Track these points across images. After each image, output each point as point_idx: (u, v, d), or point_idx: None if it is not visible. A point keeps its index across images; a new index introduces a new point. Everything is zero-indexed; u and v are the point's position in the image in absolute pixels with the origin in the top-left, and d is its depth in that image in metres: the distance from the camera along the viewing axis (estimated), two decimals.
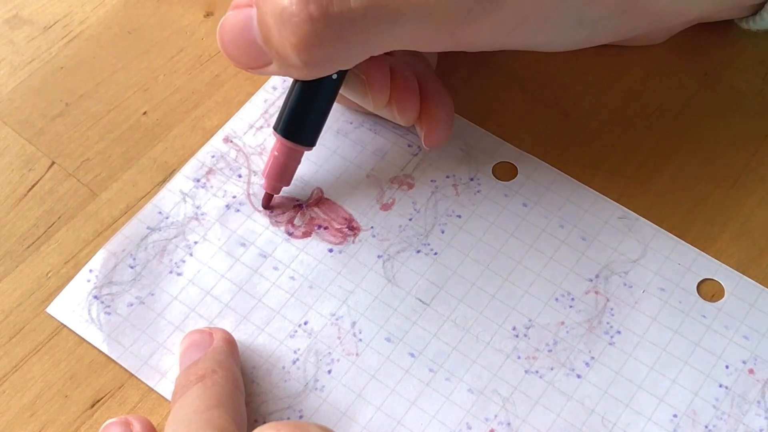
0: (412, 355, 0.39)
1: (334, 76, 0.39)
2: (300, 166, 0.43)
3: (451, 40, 0.38)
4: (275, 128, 0.41)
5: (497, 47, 0.40)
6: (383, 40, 0.36)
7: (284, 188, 0.43)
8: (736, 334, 0.39)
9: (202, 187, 0.43)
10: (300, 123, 0.40)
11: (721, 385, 0.38)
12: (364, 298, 0.40)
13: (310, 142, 0.41)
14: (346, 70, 0.39)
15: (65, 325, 0.40)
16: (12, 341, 0.39)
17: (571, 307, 0.40)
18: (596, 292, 0.40)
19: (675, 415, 0.38)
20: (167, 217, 0.42)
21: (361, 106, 0.43)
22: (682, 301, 0.40)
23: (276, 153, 0.41)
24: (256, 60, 0.37)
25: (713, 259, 0.41)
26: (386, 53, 0.41)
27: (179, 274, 0.41)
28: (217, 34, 0.38)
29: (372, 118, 0.45)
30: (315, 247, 0.41)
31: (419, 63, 0.43)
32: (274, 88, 0.45)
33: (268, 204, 0.42)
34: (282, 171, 0.41)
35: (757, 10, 0.44)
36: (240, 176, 0.43)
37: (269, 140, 0.44)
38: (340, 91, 0.41)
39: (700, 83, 0.46)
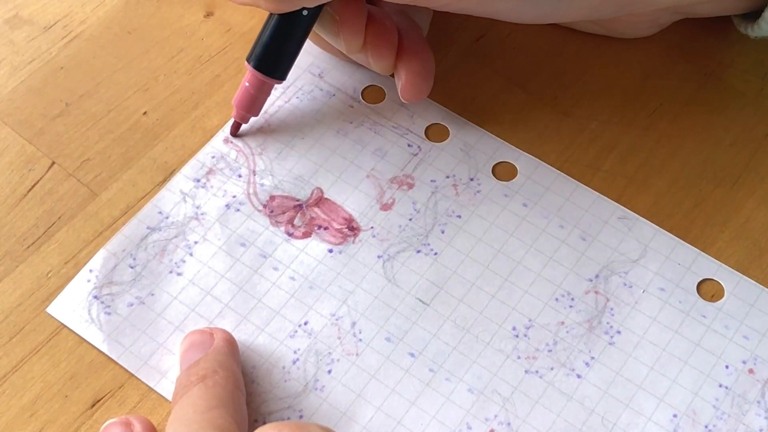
0: (412, 355, 0.39)
1: (305, 13, 0.40)
2: (300, 166, 0.43)
3: None
4: (248, 59, 0.42)
5: (460, 9, 0.40)
6: None
7: (284, 188, 0.43)
8: (736, 334, 0.39)
9: (202, 187, 0.43)
10: (272, 57, 0.42)
11: (721, 385, 0.38)
12: (364, 298, 0.40)
13: (280, 76, 0.42)
14: (319, 9, 0.40)
15: (65, 325, 0.40)
16: (12, 341, 0.39)
17: (571, 307, 0.40)
18: (596, 292, 0.40)
19: (675, 415, 0.38)
20: (167, 217, 0.42)
21: (342, 53, 0.43)
22: (682, 301, 0.40)
23: (247, 84, 0.42)
24: None
25: (713, 259, 0.41)
26: (370, 2, 0.41)
27: (179, 274, 0.41)
28: None
29: (372, 118, 0.45)
30: (315, 247, 0.41)
31: (404, 20, 0.43)
32: (274, 88, 0.45)
33: (236, 132, 0.44)
34: (252, 102, 0.43)
35: (750, 9, 0.44)
36: (240, 176, 0.43)
37: (269, 140, 0.44)
38: (318, 32, 0.42)
39: (700, 83, 0.46)
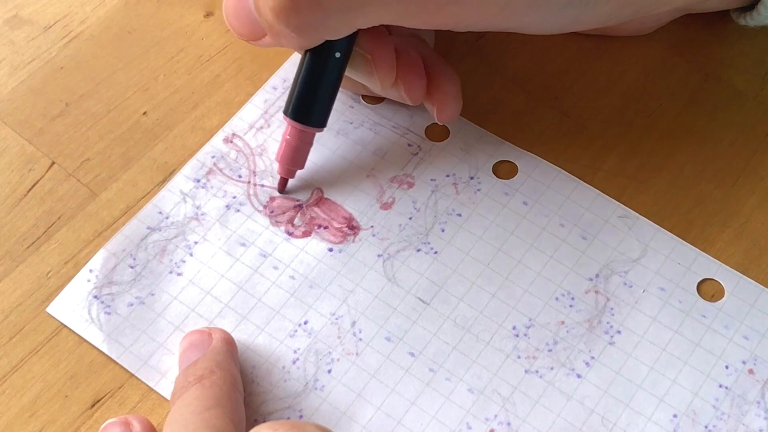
0: (412, 354, 0.39)
1: (337, 55, 0.39)
2: None
3: (437, 17, 0.38)
4: (285, 112, 0.41)
5: (486, 27, 0.40)
6: (365, 11, 0.37)
7: (289, 185, 0.43)
8: (736, 334, 0.39)
9: (202, 187, 0.43)
10: (309, 105, 0.41)
11: (721, 385, 0.38)
12: (364, 297, 0.40)
13: (320, 124, 0.41)
14: (350, 50, 0.40)
15: (65, 325, 0.40)
16: (12, 341, 0.39)
17: (571, 306, 0.40)
18: (596, 292, 0.40)
19: (675, 415, 0.38)
20: (167, 217, 0.42)
21: (368, 89, 0.43)
22: (682, 301, 0.40)
23: (288, 137, 0.41)
24: (253, 32, 0.39)
25: (713, 259, 0.41)
26: (388, 33, 0.41)
27: (179, 274, 0.41)
28: (223, 8, 0.39)
29: (372, 118, 0.45)
30: (315, 246, 0.41)
31: (420, 43, 0.43)
32: (274, 88, 0.45)
33: (283, 188, 0.43)
34: (295, 154, 0.42)
35: (751, 2, 0.44)
36: (240, 176, 0.43)
37: (270, 140, 0.44)
38: (347, 73, 0.41)
39: (700, 83, 0.46)
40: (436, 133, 0.44)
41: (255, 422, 0.37)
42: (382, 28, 0.40)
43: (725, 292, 0.40)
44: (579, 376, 0.38)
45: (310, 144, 0.42)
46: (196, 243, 0.41)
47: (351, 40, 0.39)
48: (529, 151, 0.44)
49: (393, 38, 0.41)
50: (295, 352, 0.39)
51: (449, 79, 0.42)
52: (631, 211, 0.42)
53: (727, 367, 0.39)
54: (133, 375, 0.39)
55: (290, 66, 0.46)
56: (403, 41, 0.42)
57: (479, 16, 0.38)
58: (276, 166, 0.43)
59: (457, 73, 0.43)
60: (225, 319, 0.40)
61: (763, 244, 0.42)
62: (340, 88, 0.41)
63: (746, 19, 0.44)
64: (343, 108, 0.45)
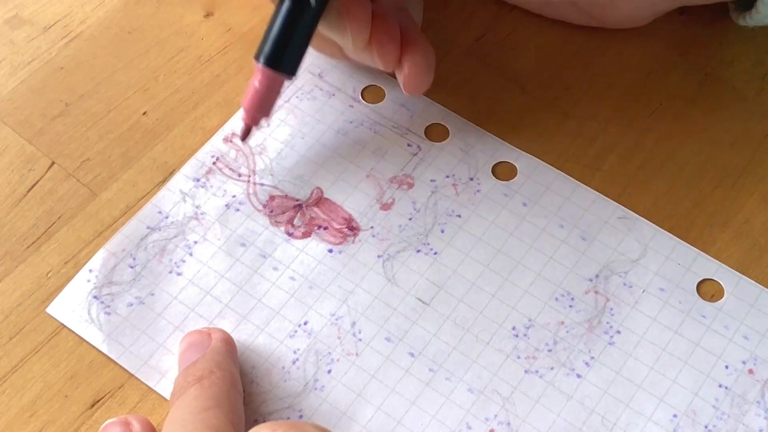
0: (412, 354, 0.39)
1: (313, 2, 0.39)
2: (300, 166, 0.43)
3: None
4: (256, 58, 0.40)
5: None
6: None
7: (284, 188, 0.43)
8: (736, 334, 0.39)
9: (202, 187, 0.43)
10: (281, 51, 0.40)
11: (720, 385, 0.38)
12: (364, 298, 0.40)
13: (290, 70, 0.41)
14: (326, 0, 0.39)
15: (65, 325, 0.40)
16: (12, 341, 0.39)
17: (571, 306, 0.40)
18: (596, 292, 0.40)
19: (675, 415, 0.38)
20: (167, 217, 0.42)
21: (343, 54, 0.43)
22: (682, 301, 0.40)
23: (257, 83, 0.41)
24: None
25: (713, 259, 0.41)
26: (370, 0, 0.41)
27: (179, 274, 0.41)
28: None
29: (372, 117, 0.45)
30: (315, 247, 0.41)
31: (403, 16, 0.43)
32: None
33: (246, 136, 0.42)
34: (262, 101, 0.41)
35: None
36: (240, 176, 0.43)
37: (269, 140, 0.44)
38: (323, 30, 0.41)
39: (700, 83, 0.46)
40: (436, 134, 0.44)
41: (255, 422, 0.37)
42: None
43: (725, 293, 0.40)
44: (579, 376, 0.38)
45: (278, 93, 0.41)
46: (195, 242, 0.41)
47: None
48: (529, 151, 0.44)
49: (375, 4, 0.41)
50: (294, 352, 0.39)
51: (423, 50, 0.42)
52: (630, 212, 0.42)
53: (727, 367, 0.39)
54: (133, 375, 0.39)
55: None
56: (383, 7, 0.42)
57: None
58: (276, 164, 0.43)
59: (432, 49, 0.42)
60: (225, 319, 0.40)
61: (763, 244, 0.42)
62: (323, 52, 0.41)
63: (745, 19, 0.44)
64: (343, 108, 0.45)
